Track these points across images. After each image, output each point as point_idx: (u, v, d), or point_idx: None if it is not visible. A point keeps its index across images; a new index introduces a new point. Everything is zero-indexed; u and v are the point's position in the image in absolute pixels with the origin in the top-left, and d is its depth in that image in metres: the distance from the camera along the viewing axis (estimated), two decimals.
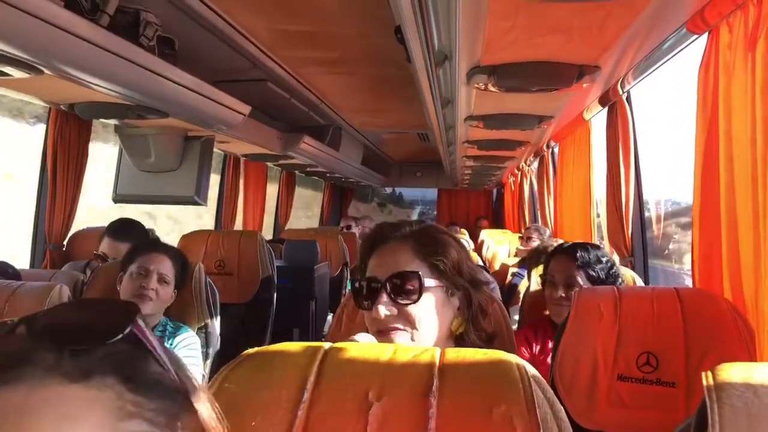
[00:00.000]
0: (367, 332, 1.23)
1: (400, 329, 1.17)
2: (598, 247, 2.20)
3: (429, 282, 1.19)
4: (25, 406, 0.42)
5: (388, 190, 11.65)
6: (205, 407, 0.52)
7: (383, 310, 1.16)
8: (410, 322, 1.17)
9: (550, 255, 2.25)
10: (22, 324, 0.47)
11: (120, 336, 0.47)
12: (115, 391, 0.45)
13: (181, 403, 0.49)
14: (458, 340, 1.25)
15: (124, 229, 2.89)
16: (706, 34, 1.76)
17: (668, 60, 2.15)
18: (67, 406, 0.43)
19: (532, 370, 0.82)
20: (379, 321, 1.18)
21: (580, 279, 2.06)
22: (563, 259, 2.13)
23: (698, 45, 1.86)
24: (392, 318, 1.17)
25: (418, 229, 1.26)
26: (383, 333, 1.18)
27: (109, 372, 0.46)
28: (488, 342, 1.25)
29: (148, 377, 0.48)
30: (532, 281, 2.71)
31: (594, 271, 2.08)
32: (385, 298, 1.18)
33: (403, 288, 1.17)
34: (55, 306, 0.50)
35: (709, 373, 0.78)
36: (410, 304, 1.17)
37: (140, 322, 0.49)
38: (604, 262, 2.12)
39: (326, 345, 0.90)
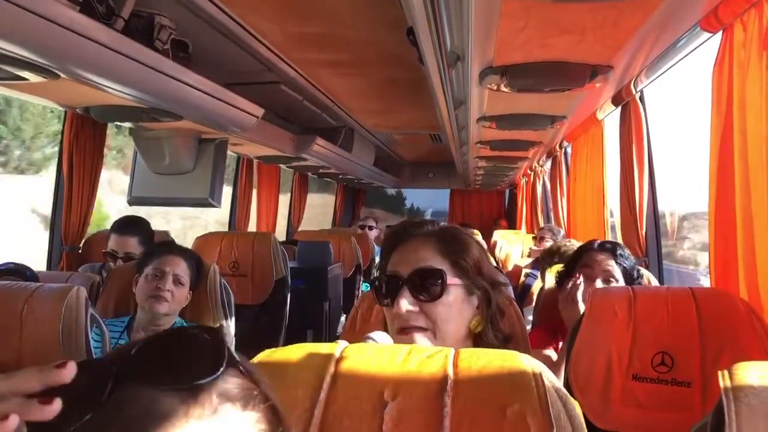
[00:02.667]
0: (383, 330, 1.23)
1: (421, 329, 1.18)
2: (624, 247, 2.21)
3: (451, 280, 1.19)
4: None
5: (408, 204, 11.86)
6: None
7: (405, 305, 1.17)
8: (431, 320, 1.18)
9: (580, 250, 2.22)
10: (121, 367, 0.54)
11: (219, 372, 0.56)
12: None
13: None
14: (476, 339, 1.25)
15: (129, 223, 2.93)
16: (720, 32, 1.75)
17: (682, 59, 2.14)
18: None
19: (544, 369, 0.82)
20: (400, 318, 1.18)
21: (617, 274, 2.07)
22: (600, 253, 2.12)
23: (712, 43, 1.85)
24: (414, 315, 1.18)
25: (440, 228, 1.28)
26: (404, 332, 1.18)
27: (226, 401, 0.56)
28: (504, 343, 1.26)
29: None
30: (547, 284, 2.71)
31: (629, 267, 2.10)
32: (407, 293, 1.18)
33: (426, 284, 1.18)
34: (143, 348, 0.56)
35: (726, 372, 0.78)
36: (432, 300, 1.18)
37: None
38: (633, 261, 2.14)
39: (342, 345, 0.90)
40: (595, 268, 2.08)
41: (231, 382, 0.57)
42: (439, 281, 1.18)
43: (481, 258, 1.25)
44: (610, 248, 2.14)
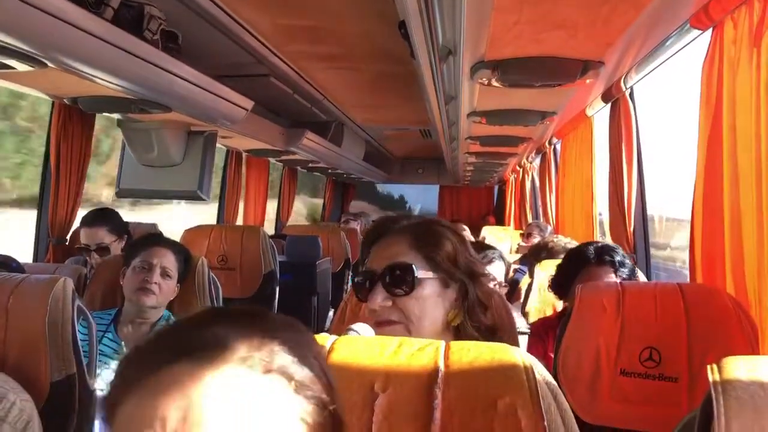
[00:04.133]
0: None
1: (395, 322, 1.19)
2: (616, 246, 2.09)
3: (423, 274, 1.19)
4: None
5: (406, 206, 12.12)
6: None
7: (378, 301, 1.18)
8: (404, 314, 1.18)
9: (578, 259, 2.06)
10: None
11: None
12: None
13: None
14: (456, 332, 1.25)
15: (97, 215, 2.93)
16: (711, 29, 1.76)
17: (672, 56, 2.15)
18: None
19: (535, 362, 0.82)
20: (375, 313, 1.19)
21: None
22: (599, 267, 1.98)
23: (702, 41, 1.86)
24: (387, 310, 1.19)
25: (416, 222, 1.28)
26: (380, 325, 1.19)
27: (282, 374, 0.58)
28: (489, 334, 1.25)
29: None
30: (535, 280, 2.72)
31: (626, 270, 2.00)
32: (380, 289, 1.19)
33: (398, 279, 1.19)
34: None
35: (715, 367, 0.79)
36: (404, 295, 1.18)
37: None
38: (631, 266, 2.04)
39: (332, 338, 0.90)
40: None
41: (297, 365, 0.58)
42: (410, 276, 1.18)
43: (458, 249, 1.24)
44: (610, 261, 1.99)
